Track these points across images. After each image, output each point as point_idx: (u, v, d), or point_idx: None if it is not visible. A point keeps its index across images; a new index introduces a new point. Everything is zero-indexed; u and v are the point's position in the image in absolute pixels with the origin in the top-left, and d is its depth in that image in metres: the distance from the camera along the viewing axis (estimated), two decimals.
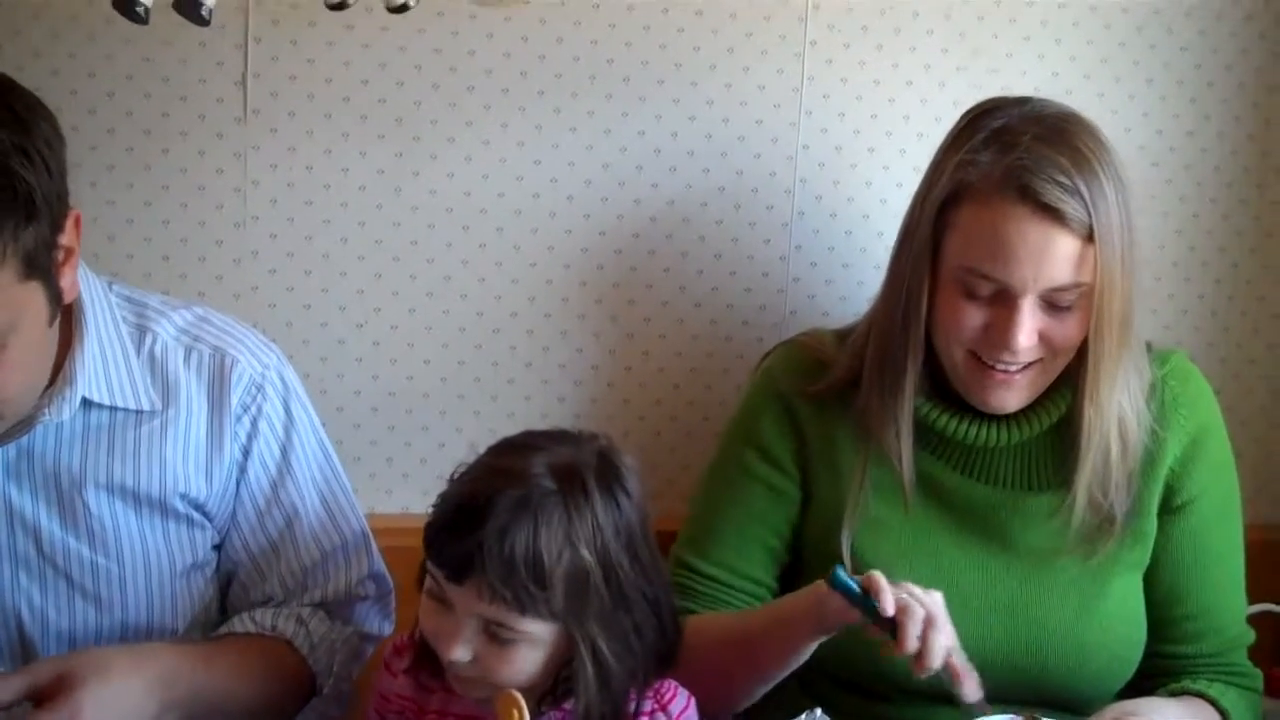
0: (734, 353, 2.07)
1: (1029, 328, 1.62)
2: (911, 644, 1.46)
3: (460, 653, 1.43)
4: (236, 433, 1.66)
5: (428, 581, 1.47)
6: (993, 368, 1.65)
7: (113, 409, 1.61)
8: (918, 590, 1.50)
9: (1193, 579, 1.76)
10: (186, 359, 1.65)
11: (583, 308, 2.09)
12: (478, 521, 1.40)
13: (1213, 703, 1.71)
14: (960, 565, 1.73)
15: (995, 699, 1.58)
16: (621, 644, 1.46)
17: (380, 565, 1.77)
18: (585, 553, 1.42)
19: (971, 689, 1.49)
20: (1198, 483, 1.76)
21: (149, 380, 1.63)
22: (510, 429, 1.69)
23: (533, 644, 1.44)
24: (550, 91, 2.03)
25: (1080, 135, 1.64)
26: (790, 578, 1.80)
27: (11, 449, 1.56)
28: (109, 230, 1.97)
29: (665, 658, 1.51)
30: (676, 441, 2.13)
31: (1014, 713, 1.49)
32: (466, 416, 2.09)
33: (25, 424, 1.55)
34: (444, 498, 1.47)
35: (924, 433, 1.73)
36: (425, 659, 1.51)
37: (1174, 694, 1.72)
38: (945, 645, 1.47)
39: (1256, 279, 2.22)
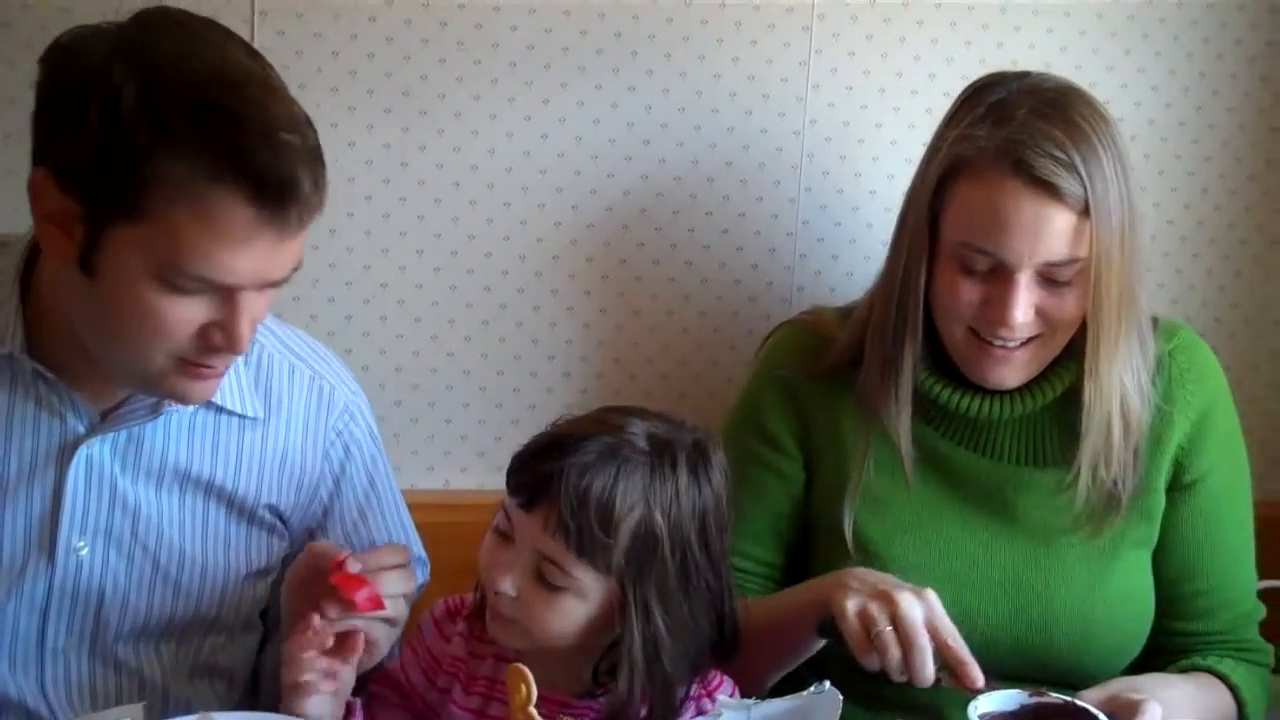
0: (742, 328, 2.07)
1: (1025, 303, 1.61)
2: (897, 678, 1.49)
3: (508, 584, 1.45)
4: (330, 455, 1.69)
5: (497, 517, 1.49)
6: (991, 344, 1.65)
7: (222, 410, 1.62)
8: (903, 604, 1.49)
9: (1202, 555, 1.76)
10: (290, 375, 1.67)
11: (588, 284, 2.10)
12: (564, 453, 1.42)
13: (1222, 678, 1.71)
14: (964, 541, 1.73)
15: (1001, 676, 1.59)
16: (677, 622, 1.46)
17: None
18: (658, 517, 1.43)
19: (976, 678, 1.48)
20: (1207, 459, 1.76)
21: (253, 388, 1.65)
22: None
23: (580, 596, 1.45)
24: (557, 65, 2.03)
25: (1079, 108, 1.63)
26: (800, 553, 1.81)
27: (122, 435, 1.57)
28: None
29: (721, 654, 1.52)
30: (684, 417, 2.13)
31: (1021, 688, 1.49)
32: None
33: (152, 411, 1.57)
34: (539, 435, 1.50)
35: (928, 407, 1.73)
36: (480, 613, 1.53)
37: (1183, 670, 1.72)
38: (929, 668, 1.48)
39: (1264, 254, 2.22)
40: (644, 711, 1.47)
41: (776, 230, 2.10)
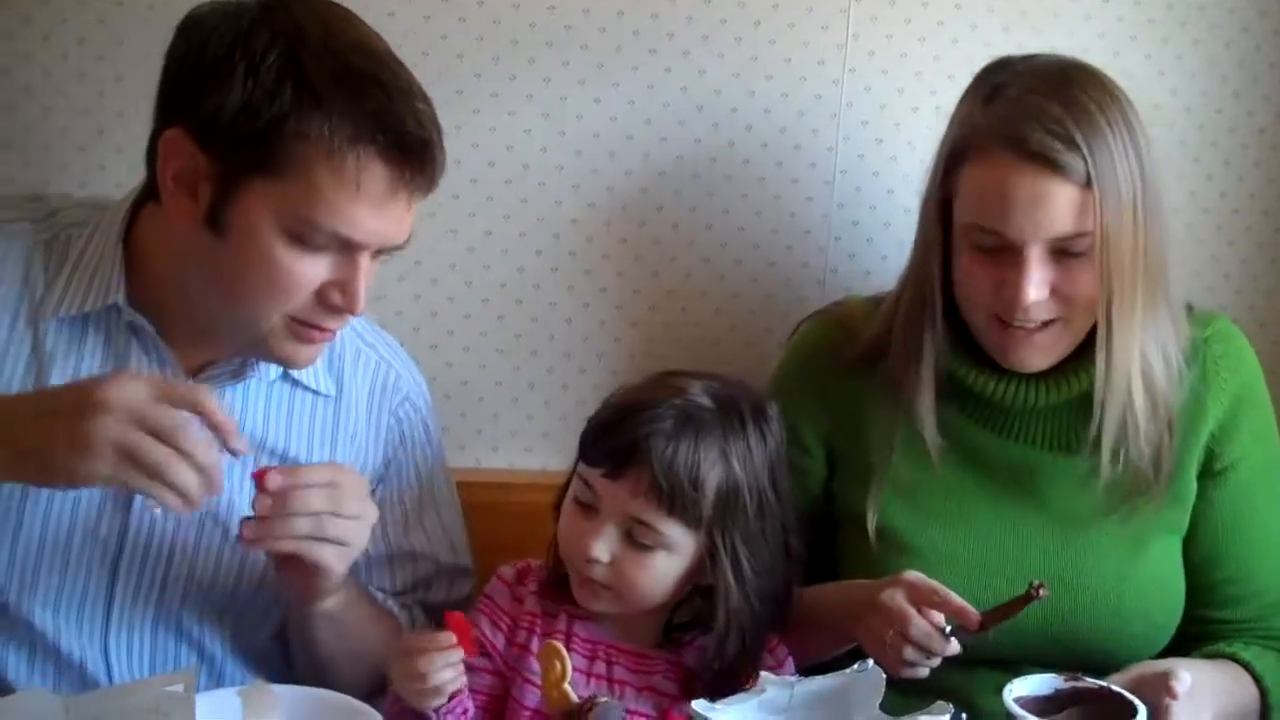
0: (776, 310, 2.07)
1: (1037, 281, 1.60)
2: (936, 661, 1.53)
3: (600, 550, 1.52)
4: (388, 440, 1.72)
5: (575, 488, 1.56)
6: (1012, 326, 1.65)
7: (298, 384, 1.66)
8: (883, 599, 1.53)
9: (1232, 543, 1.76)
10: (356, 359, 1.71)
11: (621, 265, 2.10)
12: (642, 421, 1.51)
13: (1246, 666, 1.70)
14: (994, 529, 1.73)
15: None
16: (761, 564, 1.56)
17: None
18: (737, 467, 1.53)
19: (971, 616, 1.51)
20: (1240, 446, 1.75)
21: (326, 368, 1.68)
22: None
23: (670, 553, 1.53)
24: (593, 46, 2.03)
25: (1080, 84, 1.62)
26: (827, 545, 1.82)
27: None
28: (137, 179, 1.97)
29: (784, 609, 1.60)
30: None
31: (1056, 673, 1.49)
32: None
33: (234, 377, 1.61)
34: (606, 404, 1.58)
35: (959, 394, 1.73)
36: (554, 582, 1.59)
37: (1207, 657, 1.71)
38: (937, 640, 1.51)
39: (1263, 274, 2.21)
40: (717, 665, 1.55)
41: (812, 213, 2.10)
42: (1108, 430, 1.66)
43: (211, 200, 1.47)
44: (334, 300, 1.51)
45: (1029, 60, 1.68)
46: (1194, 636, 1.76)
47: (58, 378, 1.53)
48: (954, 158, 1.66)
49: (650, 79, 2.05)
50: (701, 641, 1.57)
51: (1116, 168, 1.59)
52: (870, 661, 1.33)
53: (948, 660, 1.63)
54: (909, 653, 1.52)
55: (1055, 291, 1.62)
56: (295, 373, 1.64)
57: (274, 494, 1.44)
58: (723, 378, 1.61)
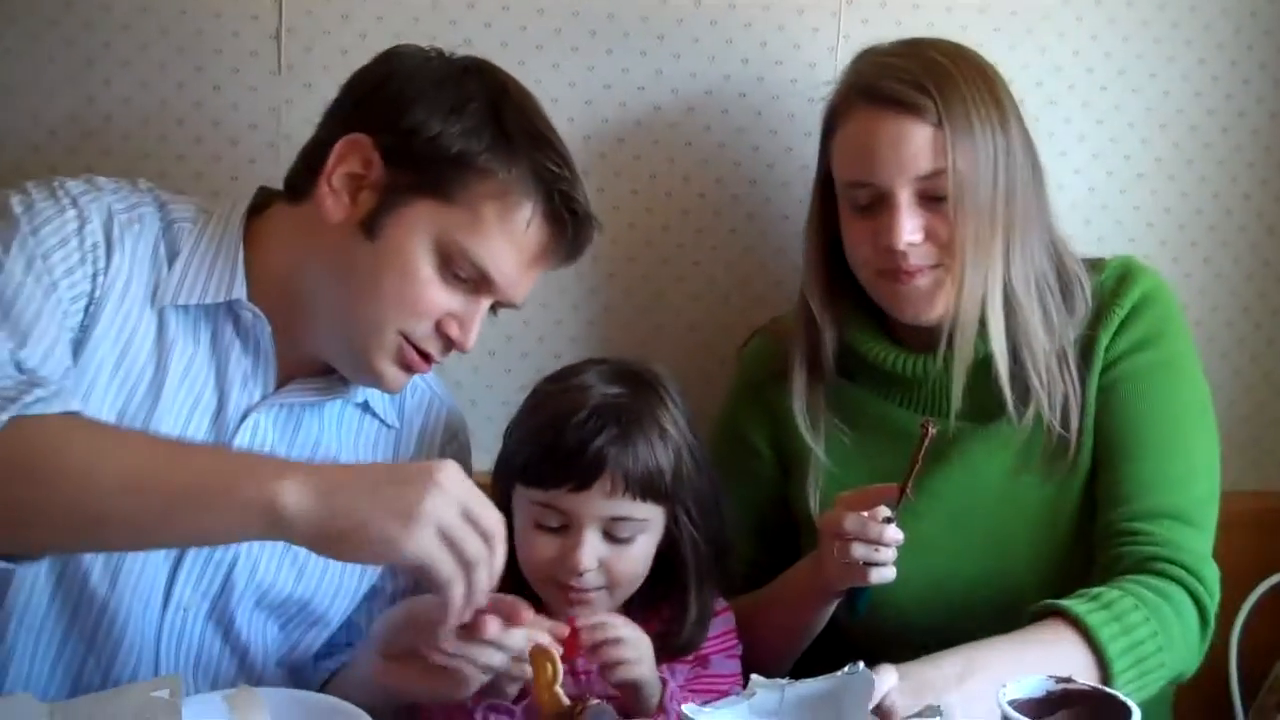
0: (767, 311, 2.04)
1: (909, 224, 1.67)
2: (889, 556, 1.59)
3: (589, 559, 1.56)
4: None
5: (531, 514, 1.60)
6: (895, 277, 1.70)
7: (368, 410, 1.71)
8: (826, 520, 1.62)
9: (1123, 440, 1.73)
10: (413, 392, 1.76)
11: (613, 267, 2.09)
12: (587, 429, 1.56)
13: (1074, 621, 1.58)
14: (924, 503, 1.71)
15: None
16: (708, 508, 1.65)
17: None
18: (675, 434, 1.61)
19: (889, 489, 1.59)
20: (1125, 344, 1.75)
21: (390, 398, 1.73)
22: None
23: (648, 532, 1.60)
24: (584, 48, 2.03)
25: (939, 49, 1.73)
26: (786, 548, 1.85)
27: (284, 411, 1.64)
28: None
29: (728, 552, 1.69)
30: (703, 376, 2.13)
31: (1047, 675, 1.48)
32: (512, 390, 2.07)
33: (321, 392, 1.65)
34: (530, 433, 1.61)
35: (866, 371, 1.80)
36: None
37: (1037, 615, 1.62)
38: (872, 527, 1.57)
39: (1261, 243, 2.21)
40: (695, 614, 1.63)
41: (804, 216, 2.07)
42: (958, 368, 1.70)
43: (374, 208, 1.56)
44: (451, 331, 1.59)
45: (904, 41, 1.78)
46: (1097, 543, 1.72)
47: (176, 364, 1.58)
48: (826, 129, 1.78)
49: (642, 80, 2.05)
50: (665, 605, 1.64)
51: (970, 111, 1.67)
52: (861, 664, 1.32)
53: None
54: (858, 549, 1.57)
55: (930, 236, 1.69)
56: (371, 401, 1.68)
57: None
58: (619, 360, 1.68)
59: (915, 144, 1.67)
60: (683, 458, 1.62)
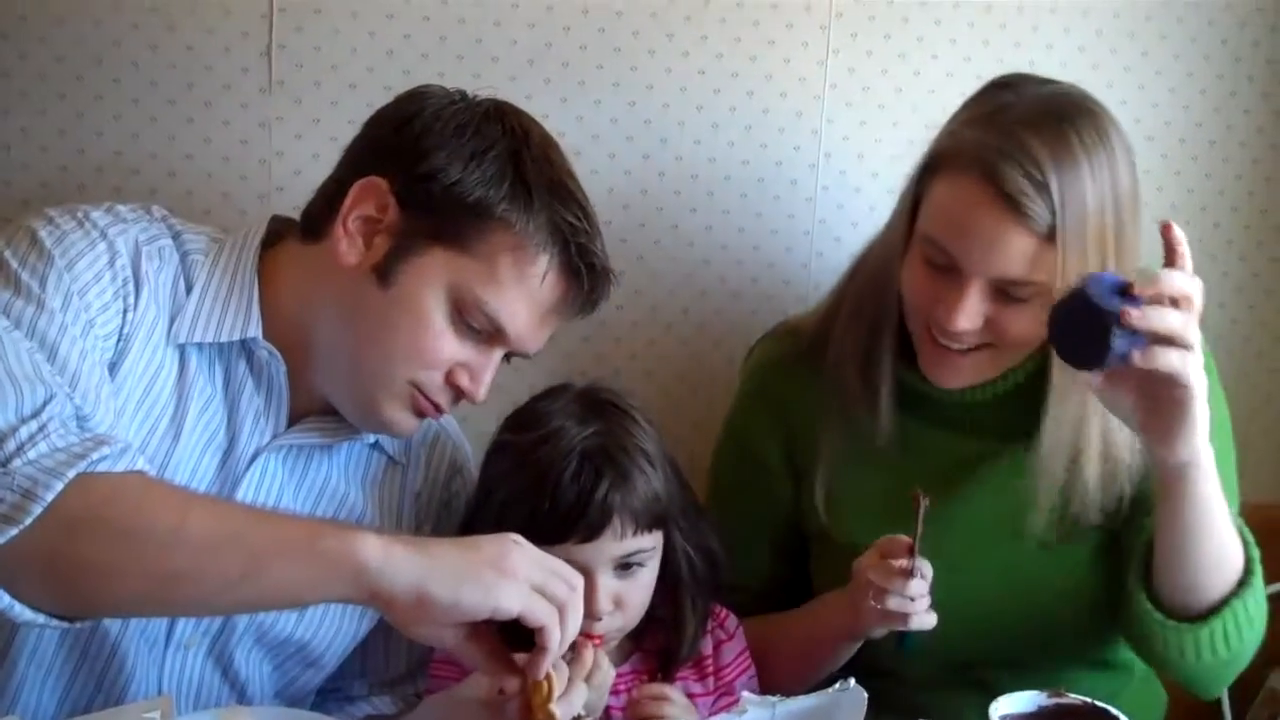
0: (758, 326, 2.02)
1: (972, 311, 1.58)
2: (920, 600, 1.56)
3: (606, 602, 1.55)
4: (431, 503, 1.73)
5: None
6: (941, 345, 1.64)
7: (377, 447, 1.68)
8: (860, 566, 1.59)
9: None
10: (421, 429, 1.70)
11: None
12: (587, 481, 1.53)
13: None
14: (944, 522, 1.67)
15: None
16: (694, 523, 1.64)
17: None
18: (658, 460, 1.59)
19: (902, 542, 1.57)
20: None
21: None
22: None
23: (654, 557, 1.59)
24: (574, 63, 2.03)
25: (1077, 124, 1.57)
26: (800, 559, 1.83)
27: (294, 451, 1.61)
28: (132, 201, 1.96)
29: (717, 563, 1.67)
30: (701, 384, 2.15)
31: (1040, 690, 1.49)
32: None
33: (330, 435, 1.63)
34: (519, 494, 1.55)
35: (898, 389, 1.73)
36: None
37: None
38: (895, 584, 1.55)
39: (1262, 272, 2.22)
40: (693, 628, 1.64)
41: (793, 229, 2.10)
42: (1044, 493, 1.65)
43: (388, 253, 1.52)
44: (461, 382, 1.56)
45: (1042, 85, 1.64)
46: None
47: (195, 403, 1.55)
48: (932, 163, 1.64)
49: (633, 95, 2.05)
50: (664, 619, 1.63)
51: (1086, 223, 1.54)
52: (852, 681, 1.32)
53: (932, 682, 1.64)
54: (892, 601, 1.55)
55: (990, 324, 1.61)
56: (382, 440, 1.67)
57: None
58: (551, 397, 1.63)
59: (1015, 249, 1.55)
60: (667, 473, 1.60)
